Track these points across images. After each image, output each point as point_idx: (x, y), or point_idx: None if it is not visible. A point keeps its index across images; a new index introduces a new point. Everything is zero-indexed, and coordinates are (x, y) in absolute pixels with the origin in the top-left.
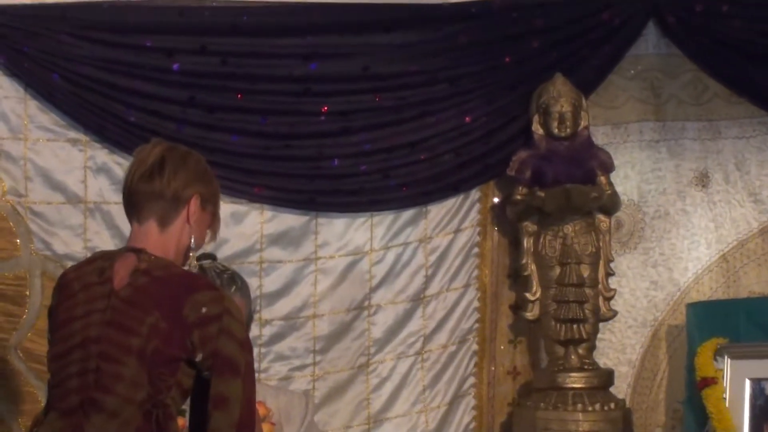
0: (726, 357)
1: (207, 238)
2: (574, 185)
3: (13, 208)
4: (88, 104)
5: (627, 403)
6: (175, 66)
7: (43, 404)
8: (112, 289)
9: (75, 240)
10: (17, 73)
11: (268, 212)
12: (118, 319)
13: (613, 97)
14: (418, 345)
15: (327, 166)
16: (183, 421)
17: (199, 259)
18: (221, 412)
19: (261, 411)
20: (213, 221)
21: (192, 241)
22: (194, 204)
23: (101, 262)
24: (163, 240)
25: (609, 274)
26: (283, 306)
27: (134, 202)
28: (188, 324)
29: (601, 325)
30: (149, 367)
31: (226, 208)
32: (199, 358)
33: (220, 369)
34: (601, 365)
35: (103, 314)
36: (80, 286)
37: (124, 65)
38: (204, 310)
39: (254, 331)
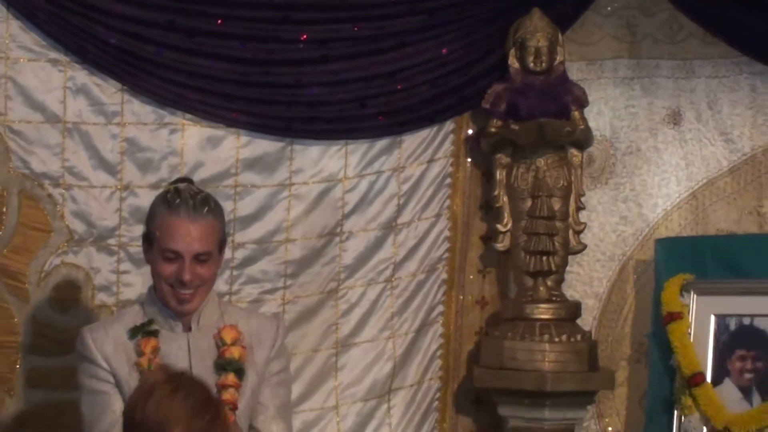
0: (692, 293)
1: None
2: (547, 119)
3: None
4: (69, 26)
5: (593, 335)
6: None
7: (17, 321)
8: None
9: (53, 159)
10: None
11: (244, 137)
12: None
13: (588, 33)
14: (388, 272)
15: (304, 94)
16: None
17: (174, 182)
18: None
19: (233, 334)
20: None
21: None
22: None
23: None
24: None
25: (579, 208)
26: (256, 230)
27: (124, 426)
28: None
29: (569, 258)
30: None
31: (204, 132)
32: None
33: None
34: (569, 297)
35: None
36: None
37: None
38: None
39: (227, 254)
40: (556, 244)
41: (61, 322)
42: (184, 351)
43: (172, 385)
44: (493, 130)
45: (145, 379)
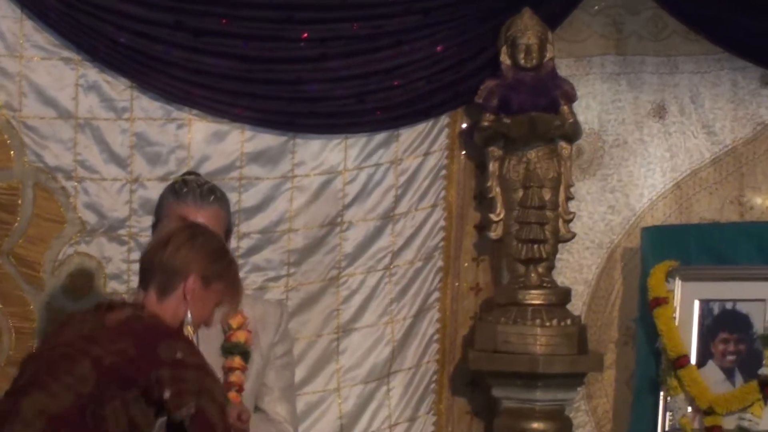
0: (677, 279)
1: (216, 316)
2: (538, 113)
3: (7, 121)
4: (81, 25)
5: (582, 319)
6: None
7: (32, 308)
8: (102, 321)
9: (65, 153)
10: None
11: (248, 132)
12: (91, 335)
13: (577, 31)
14: (387, 260)
15: (305, 90)
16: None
17: (182, 175)
18: None
19: (239, 319)
20: (224, 297)
21: (188, 316)
22: (192, 281)
23: (104, 310)
24: (159, 310)
25: (569, 198)
26: (261, 220)
27: (141, 271)
28: (159, 360)
29: (560, 245)
30: (99, 374)
31: (209, 126)
32: (167, 395)
33: (200, 428)
34: (559, 284)
35: (82, 331)
36: (79, 319)
37: None
38: (179, 354)
39: (233, 243)
40: (547, 232)
41: (74, 309)
42: (191, 335)
43: (189, 232)
44: (486, 123)
45: (162, 229)
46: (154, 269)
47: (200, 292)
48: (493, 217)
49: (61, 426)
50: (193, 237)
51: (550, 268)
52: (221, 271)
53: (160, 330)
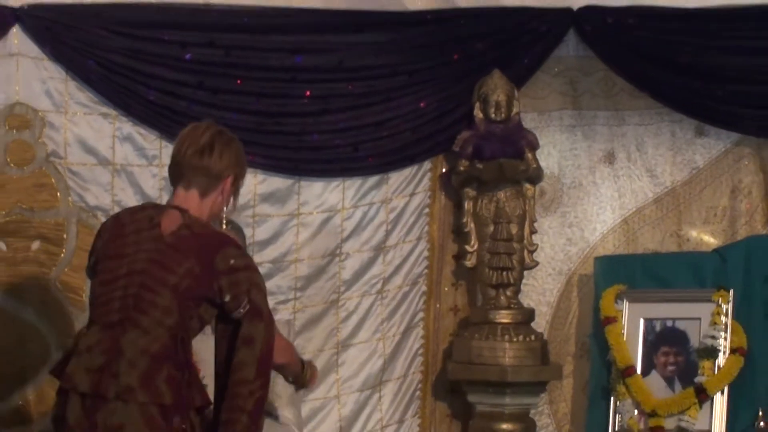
0: (625, 300)
1: (228, 207)
2: (506, 160)
3: (54, 167)
4: (116, 85)
5: (544, 335)
6: (188, 56)
7: (77, 328)
8: (160, 234)
9: (104, 194)
10: (60, 59)
11: (260, 175)
12: (161, 259)
13: (539, 89)
14: (379, 285)
15: (308, 140)
16: None
17: None
18: (248, 348)
19: None
20: (236, 195)
21: (225, 210)
22: (229, 182)
23: (151, 211)
24: (201, 206)
25: (533, 231)
26: (271, 252)
27: (183, 172)
28: (218, 272)
29: (525, 272)
30: (179, 300)
31: None
32: (227, 299)
33: (250, 315)
34: (525, 305)
35: (149, 253)
36: (132, 229)
37: (146, 54)
38: (232, 261)
39: None
40: (514, 261)
41: None
42: (212, 349)
43: (226, 137)
44: (462, 168)
45: (193, 129)
46: (197, 172)
47: (230, 189)
48: (468, 248)
49: (164, 361)
50: (230, 142)
51: (517, 291)
52: (245, 173)
53: (212, 242)
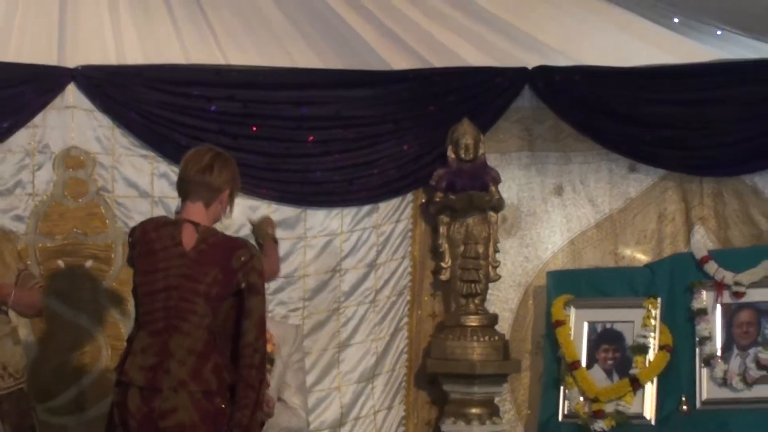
0: (572, 307)
1: (226, 213)
2: (474, 192)
3: (104, 200)
4: (154, 132)
5: (506, 336)
6: (213, 108)
7: (123, 331)
8: (183, 251)
9: None
10: (107, 111)
11: (273, 206)
12: (190, 273)
13: (501, 134)
14: (371, 296)
15: (312, 177)
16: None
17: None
18: (248, 319)
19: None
20: (232, 204)
21: (223, 216)
22: (226, 194)
23: (171, 229)
24: (207, 215)
25: (496, 251)
26: (283, 269)
27: (189, 188)
28: (234, 269)
29: (490, 285)
30: (212, 304)
31: (246, 202)
32: (243, 286)
33: (248, 293)
34: (490, 311)
35: (179, 269)
36: (159, 246)
37: (178, 107)
38: (242, 258)
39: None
40: (481, 275)
41: None
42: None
43: (223, 157)
44: (437, 199)
45: (195, 151)
46: (201, 187)
47: (227, 199)
48: (443, 264)
49: (209, 355)
50: (227, 161)
51: (484, 300)
52: (239, 185)
53: (226, 248)
